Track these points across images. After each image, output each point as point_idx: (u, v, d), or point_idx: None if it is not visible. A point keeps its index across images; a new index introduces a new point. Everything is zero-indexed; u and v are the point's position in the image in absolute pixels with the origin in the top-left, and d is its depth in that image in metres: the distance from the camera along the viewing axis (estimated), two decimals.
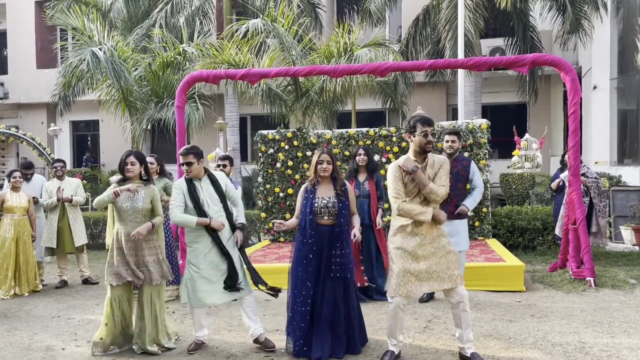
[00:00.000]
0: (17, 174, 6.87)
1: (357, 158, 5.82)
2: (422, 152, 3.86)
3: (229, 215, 4.36)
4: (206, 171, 4.43)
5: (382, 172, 8.80)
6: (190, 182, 4.32)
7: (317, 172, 4.22)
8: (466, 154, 8.59)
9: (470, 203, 5.46)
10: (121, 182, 4.42)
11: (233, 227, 4.39)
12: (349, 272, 4.15)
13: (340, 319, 4.10)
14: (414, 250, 3.80)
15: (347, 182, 4.36)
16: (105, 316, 4.38)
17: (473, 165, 5.59)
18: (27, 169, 7.46)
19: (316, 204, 4.16)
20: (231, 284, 4.27)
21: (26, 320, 5.51)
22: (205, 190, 4.33)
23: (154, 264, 4.39)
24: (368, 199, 5.74)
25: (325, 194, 4.19)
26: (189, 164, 4.28)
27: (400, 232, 3.86)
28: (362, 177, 5.85)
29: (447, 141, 5.53)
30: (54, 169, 7.34)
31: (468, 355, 3.89)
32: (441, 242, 3.85)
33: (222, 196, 4.36)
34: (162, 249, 4.57)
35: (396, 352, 4.03)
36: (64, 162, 7.45)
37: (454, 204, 5.29)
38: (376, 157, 8.20)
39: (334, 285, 4.10)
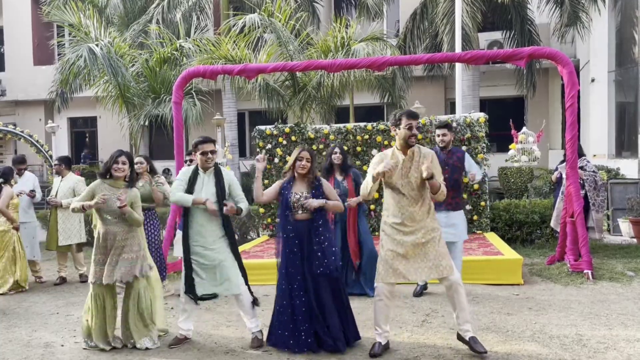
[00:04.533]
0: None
1: (333, 156, 5.82)
2: (407, 146, 3.94)
3: (223, 214, 4.33)
4: (215, 165, 4.44)
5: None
6: (195, 172, 4.39)
7: (294, 168, 4.23)
8: (464, 148, 8.60)
9: (478, 173, 5.60)
10: (104, 180, 4.42)
11: (225, 226, 4.36)
12: (332, 265, 4.13)
13: (325, 313, 4.08)
14: (404, 240, 3.84)
15: (321, 177, 4.36)
16: (85, 312, 4.41)
17: (467, 156, 5.67)
18: (20, 164, 7.45)
19: (290, 199, 4.21)
20: (220, 282, 4.31)
21: (25, 317, 5.52)
22: (205, 182, 4.35)
23: (128, 261, 4.36)
24: (346, 197, 5.73)
25: (299, 190, 4.22)
26: (212, 152, 4.38)
27: (391, 223, 3.90)
28: (339, 175, 5.86)
29: (438, 135, 5.59)
30: (53, 167, 7.33)
31: (467, 339, 3.91)
32: (432, 234, 3.88)
33: (221, 192, 4.33)
34: (144, 246, 4.57)
35: (383, 343, 4.04)
36: (60, 159, 7.37)
37: (450, 196, 5.30)
38: (374, 152, 8.19)
39: (318, 280, 4.11)
